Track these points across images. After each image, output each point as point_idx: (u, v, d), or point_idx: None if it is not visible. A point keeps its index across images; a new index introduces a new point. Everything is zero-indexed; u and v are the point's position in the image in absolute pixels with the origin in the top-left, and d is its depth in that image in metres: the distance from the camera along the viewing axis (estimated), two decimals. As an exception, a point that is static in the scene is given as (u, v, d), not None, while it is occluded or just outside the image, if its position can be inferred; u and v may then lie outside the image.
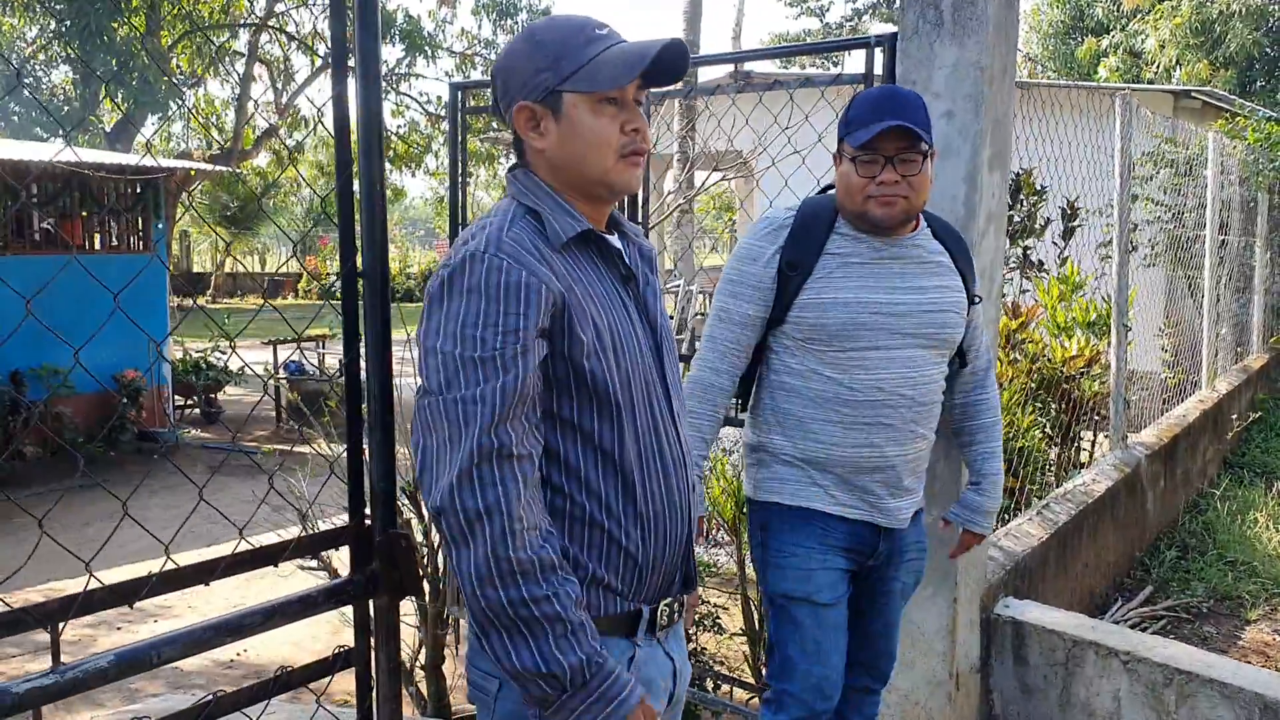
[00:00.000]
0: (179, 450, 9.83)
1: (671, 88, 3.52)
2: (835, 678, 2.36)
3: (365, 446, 1.68)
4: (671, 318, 10.69)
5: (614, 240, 1.59)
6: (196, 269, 32.25)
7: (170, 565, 1.43)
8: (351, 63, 1.68)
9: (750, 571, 3.89)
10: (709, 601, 3.98)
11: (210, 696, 1.49)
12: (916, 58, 2.85)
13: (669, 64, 1.50)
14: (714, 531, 5.82)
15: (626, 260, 1.59)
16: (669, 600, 1.59)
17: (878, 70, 2.92)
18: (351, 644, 1.66)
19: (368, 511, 1.66)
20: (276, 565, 1.54)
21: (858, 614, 2.45)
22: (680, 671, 1.65)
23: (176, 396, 10.87)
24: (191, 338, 14.27)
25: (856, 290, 2.24)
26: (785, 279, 2.27)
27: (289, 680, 1.56)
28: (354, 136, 1.71)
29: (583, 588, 1.46)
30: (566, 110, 1.49)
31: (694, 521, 1.63)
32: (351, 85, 1.69)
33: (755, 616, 3.81)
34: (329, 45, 1.73)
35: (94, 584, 1.40)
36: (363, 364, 1.66)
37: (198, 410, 11.24)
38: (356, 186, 1.70)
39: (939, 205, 2.69)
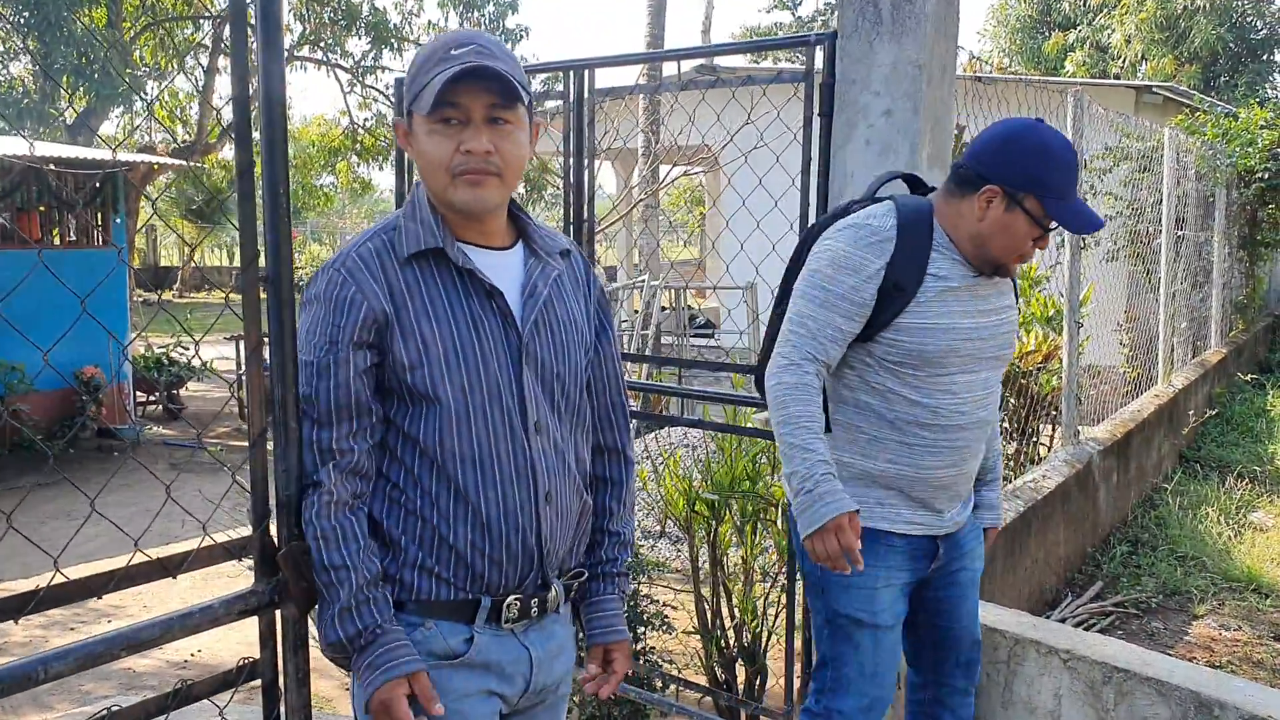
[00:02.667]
0: (140, 447, 9.71)
1: (627, 84, 3.49)
2: (888, 698, 2.37)
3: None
4: (636, 312, 10.65)
5: (473, 258, 1.62)
6: (164, 263, 31.87)
7: (64, 578, 1.40)
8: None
9: (704, 568, 3.88)
10: (655, 600, 3.96)
11: (104, 711, 1.45)
12: (855, 56, 2.83)
13: (494, 85, 1.53)
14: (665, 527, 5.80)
15: (490, 277, 1.63)
16: (517, 596, 1.66)
17: (818, 65, 2.90)
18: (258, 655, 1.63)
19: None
20: (175, 577, 1.51)
21: (935, 615, 2.45)
22: (539, 663, 1.72)
23: (138, 393, 10.72)
24: (156, 333, 14.09)
25: (954, 316, 2.19)
26: (886, 298, 2.16)
27: (190, 693, 1.53)
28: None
29: (413, 570, 1.62)
30: (414, 129, 1.60)
31: (545, 528, 1.65)
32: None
33: (709, 615, 3.80)
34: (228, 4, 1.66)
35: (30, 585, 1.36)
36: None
37: (160, 407, 11.09)
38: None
39: (876, 205, 2.67)
